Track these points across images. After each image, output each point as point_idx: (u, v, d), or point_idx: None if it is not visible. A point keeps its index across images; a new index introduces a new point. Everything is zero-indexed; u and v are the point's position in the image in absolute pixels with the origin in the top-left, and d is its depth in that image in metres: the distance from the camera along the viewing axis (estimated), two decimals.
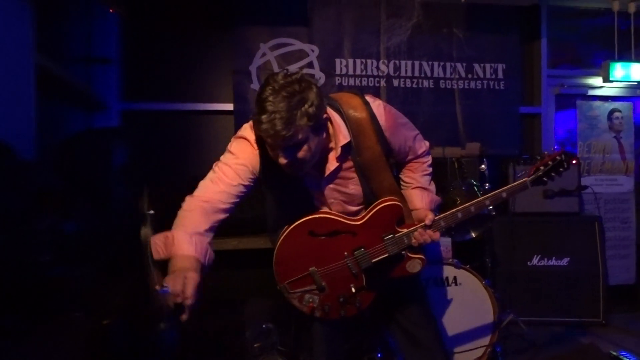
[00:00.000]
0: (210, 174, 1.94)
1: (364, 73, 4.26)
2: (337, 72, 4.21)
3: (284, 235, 1.98)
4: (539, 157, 2.19)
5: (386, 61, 4.29)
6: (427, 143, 2.21)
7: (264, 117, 1.62)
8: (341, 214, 2.02)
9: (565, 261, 4.05)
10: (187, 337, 1.62)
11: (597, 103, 4.76)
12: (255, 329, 1.65)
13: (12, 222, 1.59)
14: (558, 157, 2.15)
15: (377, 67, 4.28)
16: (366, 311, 2.08)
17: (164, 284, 1.37)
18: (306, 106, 1.66)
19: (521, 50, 4.59)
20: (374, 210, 1.99)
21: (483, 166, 3.53)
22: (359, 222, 2.00)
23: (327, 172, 1.93)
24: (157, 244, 1.73)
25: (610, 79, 4.47)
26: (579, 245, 4.07)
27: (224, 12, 4.07)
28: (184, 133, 4.12)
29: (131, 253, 1.77)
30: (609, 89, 4.83)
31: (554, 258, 4.07)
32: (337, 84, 4.20)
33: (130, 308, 1.81)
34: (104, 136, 2.90)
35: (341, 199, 2.03)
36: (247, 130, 1.94)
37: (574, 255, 4.06)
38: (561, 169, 2.16)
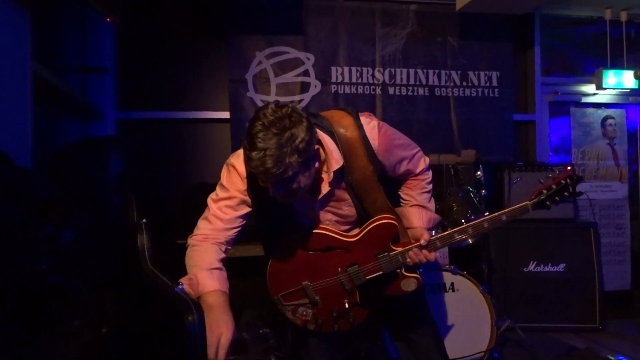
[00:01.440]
0: (207, 212, 1.94)
1: (359, 81, 4.28)
2: (333, 80, 4.23)
3: (278, 248, 1.97)
4: (541, 182, 2.11)
5: (381, 69, 4.32)
6: (427, 160, 2.16)
7: (254, 153, 1.61)
8: (336, 230, 2.00)
9: (561, 267, 4.07)
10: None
11: (591, 110, 4.81)
12: (253, 333, 1.64)
13: (10, 231, 1.59)
14: (563, 181, 2.05)
15: (373, 75, 4.30)
16: (361, 324, 2.05)
17: (180, 283, 1.37)
18: (296, 142, 1.63)
19: (515, 58, 4.63)
20: (369, 227, 1.97)
21: (479, 173, 3.55)
22: (353, 239, 1.98)
23: (320, 195, 1.90)
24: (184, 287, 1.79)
25: (603, 86, 4.51)
26: (574, 251, 4.09)
27: (219, 20, 4.09)
28: (181, 141, 4.12)
29: (128, 262, 1.77)
30: (602, 96, 4.88)
31: (550, 264, 4.09)
32: (332, 91, 4.22)
33: (128, 317, 1.80)
34: (100, 145, 2.90)
35: (335, 219, 2.01)
36: (237, 157, 1.92)
37: (569, 261, 4.08)
38: (566, 193, 2.05)
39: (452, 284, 3.15)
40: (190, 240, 1.91)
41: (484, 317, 3.11)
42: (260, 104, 4.07)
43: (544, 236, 4.10)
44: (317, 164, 1.79)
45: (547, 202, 2.04)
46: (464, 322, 3.10)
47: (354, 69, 4.27)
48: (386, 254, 1.96)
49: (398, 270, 1.99)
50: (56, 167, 2.60)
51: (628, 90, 4.72)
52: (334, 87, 4.23)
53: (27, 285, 1.56)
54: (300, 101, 4.15)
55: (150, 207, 3.54)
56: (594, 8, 4.70)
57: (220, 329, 1.62)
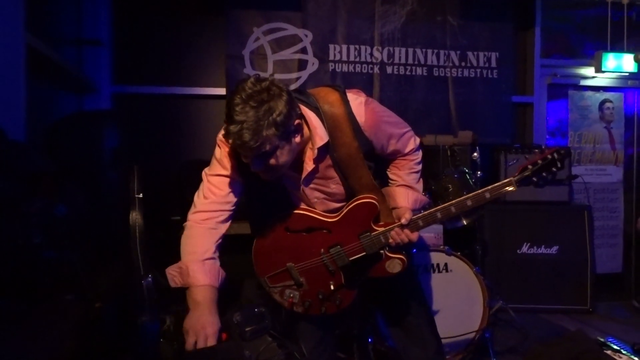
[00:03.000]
0: (201, 187, 1.93)
1: (357, 59, 4.24)
2: (331, 58, 4.18)
3: (261, 230, 1.97)
4: (527, 157, 2.00)
5: (380, 48, 4.27)
6: (418, 140, 2.11)
7: (232, 127, 1.60)
8: (317, 211, 1.98)
9: (554, 249, 4.10)
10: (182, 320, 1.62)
11: (589, 93, 4.79)
12: (247, 313, 1.64)
13: (3, 205, 1.58)
14: (549, 156, 1.96)
15: (371, 54, 4.26)
16: (349, 307, 2.04)
17: (149, 276, 1.37)
18: (274, 115, 1.62)
19: (515, 39, 4.59)
20: (349, 207, 1.95)
21: (475, 154, 3.54)
22: (334, 219, 1.96)
23: (305, 173, 1.88)
24: (173, 274, 1.78)
25: (603, 69, 4.48)
26: (568, 234, 4.11)
27: None
28: (176, 117, 4.09)
29: (121, 237, 1.76)
30: (601, 80, 4.85)
31: (543, 246, 4.11)
32: (330, 70, 4.17)
33: (120, 292, 1.81)
34: (94, 119, 2.88)
35: (323, 197, 1.99)
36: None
37: (563, 243, 4.10)
38: (554, 169, 1.96)
39: (445, 264, 3.16)
40: (188, 219, 1.90)
41: (476, 298, 3.13)
42: None
43: (538, 218, 4.12)
44: (297, 139, 1.77)
45: (534, 178, 1.95)
46: (457, 303, 3.13)
47: (352, 47, 4.22)
48: (368, 234, 1.94)
49: (382, 251, 1.97)
50: (50, 141, 2.58)
51: (627, 74, 4.69)
52: (332, 65, 4.19)
53: (20, 259, 1.56)
54: (297, 79, 4.11)
55: (145, 183, 3.54)
56: None
57: (205, 330, 1.61)
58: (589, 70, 4.74)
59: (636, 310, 4.32)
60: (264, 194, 1.95)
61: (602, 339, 2.82)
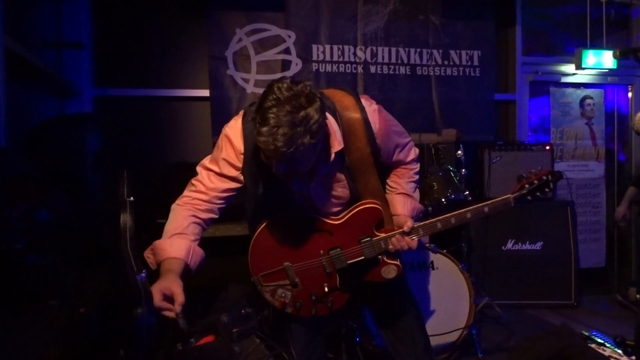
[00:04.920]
0: (198, 178, 1.91)
1: (340, 59, 4.24)
2: (314, 58, 4.18)
3: (261, 227, 1.96)
4: (524, 176, 2.21)
5: (363, 47, 4.28)
6: (417, 151, 2.17)
7: (264, 129, 1.55)
8: (320, 213, 1.99)
9: (538, 245, 4.14)
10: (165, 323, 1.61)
11: (570, 90, 4.85)
12: (234, 314, 1.63)
13: None
14: (544, 177, 2.16)
15: (354, 54, 4.27)
16: (340, 309, 2.06)
17: (143, 271, 1.36)
18: (310, 123, 1.58)
19: (496, 38, 4.63)
20: (354, 211, 1.97)
21: (459, 152, 3.56)
22: (337, 222, 1.98)
23: (317, 175, 1.89)
24: (148, 257, 1.79)
25: (583, 66, 4.54)
26: (551, 229, 4.16)
27: None
28: (160, 119, 4.06)
29: (107, 240, 1.75)
30: (582, 76, 4.92)
31: (527, 242, 4.16)
32: (314, 70, 4.17)
33: (107, 296, 1.79)
34: (76, 122, 2.85)
35: (327, 199, 1.99)
36: (233, 128, 1.89)
37: (547, 239, 4.15)
38: (546, 189, 2.16)
39: (431, 262, 3.18)
40: (173, 205, 1.90)
41: (462, 295, 3.16)
42: (240, 82, 4.02)
43: (523, 215, 4.16)
44: (322, 146, 1.77)
45: (528, 197, 2.16)
46: (443, 300, 3.15)
47: (335, 47, 4.23)
48: (369, 239, 1.97)
49: (380, 257, 2.01)
50: (31, 145, 2.55)
51: (607, 71, 4.76)
52: (315, 66, 4.19)
53: (3, 264, 1.54)
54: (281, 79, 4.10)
55: (133, 186, 3.51)
56: None
57: (172, 288, 1.57)
58: (569, 67, 4.80)
59: (619, 304, 4.38)
60: (269, 194, 1.93)
61: (586, 333, 2.85)
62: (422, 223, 2.04)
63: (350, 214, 1.98)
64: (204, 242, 1.92)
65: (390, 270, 2.03)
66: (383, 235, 1.99)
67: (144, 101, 4.01)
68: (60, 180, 2.31)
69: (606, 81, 5.01)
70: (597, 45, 4.77)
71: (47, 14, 3.42)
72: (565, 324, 3.26)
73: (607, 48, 4.67)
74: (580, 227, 4.58)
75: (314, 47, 4.19)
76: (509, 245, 4.16)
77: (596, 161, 4.85)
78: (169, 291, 1.56)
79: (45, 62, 3.11)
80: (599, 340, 2.79)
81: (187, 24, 4.06)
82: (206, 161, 1.94)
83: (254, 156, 1.80)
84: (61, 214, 1.87)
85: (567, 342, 2.48)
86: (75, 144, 2.57)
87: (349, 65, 4.26)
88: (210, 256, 3.96)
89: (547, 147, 4.31)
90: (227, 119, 4.13)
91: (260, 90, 4.33)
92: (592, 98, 4.83)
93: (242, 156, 1.86)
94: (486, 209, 2.09)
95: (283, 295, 1.99)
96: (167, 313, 1.54)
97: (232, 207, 3.86)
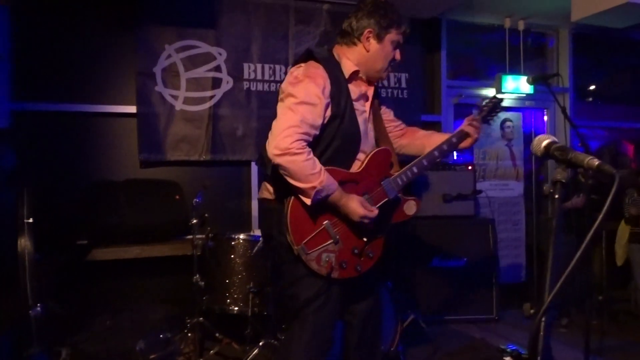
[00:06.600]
0: (291, 116, 1.96)
1: (272, 78, 4.27)
2: (246, 76, 4.18)
3: (293, 196, 2.01)
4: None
5: None
6: None
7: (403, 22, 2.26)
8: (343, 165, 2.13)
9: (462, 261, 4.29)
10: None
11: None
12: (152, 339, 1.59)
13: None
14: (490, 102, 2.52)
15: (286, 73, 4.28)
16: (380, 260, 2.19)
17: (38, 305, 1.30)
18: None
19: (423, 61, 4.80)
20: (369, 157, 2.15)
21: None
22: (359, 170, 2.12)
23: (367, 108, 2.22)
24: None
25: (502, 90, 4.79)
26: (474, 246, 4.33)
27: (128, 9, 3.89)
28: (83, 136, 3.90)
29: (14, 263, 1.66)
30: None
31: (452, 259, 4.30)
32: (245, 88, 4.17)
33: (13, 323, 1.69)
34: None
35: (368, 141, 2.21)
36: (315, 66, 2.08)
37: (470, 255, 4.31)
38: (497, 110, 2.55)
39: None
40: (294, 149, 1.91)
41: (388, 313, 3.21)
42: (169, 98, 3.95)
43: (447, 232, 4.31)
44: None
45: (488, 119, 2.55)
46: None
47: (267, 66, 4.25)
48: (388, 178, 2.16)
49: (399, 195, 2.20)
50: None
51: (525, 95, 5.04)
52: (247, 84, 4.19)
53: None
54: (211, 97, 4.07)
55: (48, 206, 3.34)
56: (495, 16, 4.97)
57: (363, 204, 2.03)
58: (490, 91, 5.03)
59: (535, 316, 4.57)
60: (342, 131, 2.09)
61: (503, 346, 2.98)
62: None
63: (367, 160, 2.14)
64: (125, 263, 1.86)
65: (410, 205, 2.23)
66: (397, 173, 2.19)
67: (67, 116, 3.85)
68: None
69: (524, 105, 5.30)
70: (515, 71, 5.06)
71: None
72: (484, 338, 3.40)
73: (525, 74, 4.95)
74: (501, 244, 4.79)
75: (245, 65, 4.19)
76: (435, 262, 4.28)
77: (516, 181, 5.11)
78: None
79: None
80: (514, 352, 2.92)
81: (114, 38, 3.95)
82: (294, 99, 1.99)
83: (338, 87, 2.07)
84: None
85: (484, 356, 2.58)
86: None
87: (280, 84, 4.27)
88: (135, 277, 3.86)
89: (470, 167, 4.50)
90: (155, 135, 4.04)
91: (190, 108, 4.27)
92: (511, 121, 5.10)
93: (329, 87, 2.05)
94: (454, 139, 2.33)
95: (327, 259, 2.04)
96: (370, 214, 2.01)
97: (157, 227, 3.77)
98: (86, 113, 3.88)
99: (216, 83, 4.10)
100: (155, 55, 3.94)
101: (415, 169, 2.23)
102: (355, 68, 2.20)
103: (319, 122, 2.01)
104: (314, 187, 1.92)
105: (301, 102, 1.97)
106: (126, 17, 3.91)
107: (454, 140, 2.33)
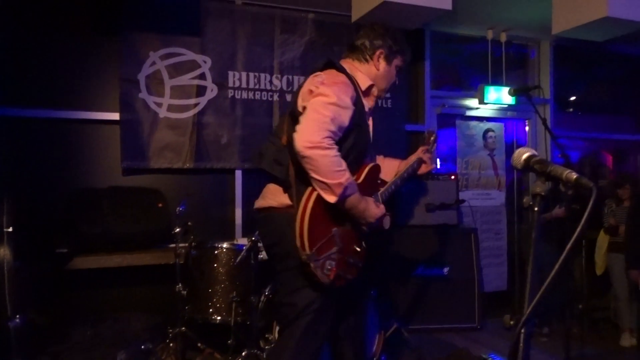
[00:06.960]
0: (322, 116, 1.98)
1: (257, 87, 4.27)
2: (230, 84, 4.18)
3: (310, 201, 2.01)
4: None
5: (279, 76, 4.34)
6: None
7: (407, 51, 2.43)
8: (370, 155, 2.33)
9: (445, 270, 4.32)
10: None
11: (474, 123, 5.15)
12: (132, 350, 1.57)
13: None
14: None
15: (271, 82, 4.31)
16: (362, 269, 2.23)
17: (17, 317, 1.28)
18: None
19: (407, 71, 4.84)
20: (367, 170, 2.22)
21: None
22: (359, 181, 2.16)
23: (371, 122, 2.36)
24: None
25: (485, 101, 4.86)
26: (457, 255, 4.36)
27: (112, 15, 3.87)
28: (65, 143, 3.85)
29: None
30: (485, 110, 5.24)
31: (435, 268, 4.32)
32: (229, 96, 4.17)
33: None
34: None
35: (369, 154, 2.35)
36: (338, 76, 2.17)
37: (453, 264, 4.34)
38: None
39: None
40: (320, 141, 1.94)
41: (372, 322, 3.21)
42: (153, 105, 3.93)
43: (430, 241, 4.34)
44: None
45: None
46: None
47: (251, 74, 4.25)
48: (376, 193, 2.27)
49: None
50: None
51: (506, 106, 5.11)
52: (232, 92, 4.18)
53: None
54: (196, 104, 4.06)
55: (29, 214, 3.29)
56: (477, 28, 5.04)
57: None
58: (473, 102, 5.11)
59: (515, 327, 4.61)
60: (360, 133, 2.19)
61: (484, 356, 3.00)
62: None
63: (365, 172, 2.21)
64: (106, 272, 1.84)
65: (387, 220, 2.25)
66: (382, 189, 2.32)
67: (49, 123, 3.80)
68: None
69: (506, 115, 5.36)
70: (498, 82, 5.12)
71: None
72: (468, 347, 3.42)
73: (507, 85, 5.03)
74: (483, 253, 4.83)
75: (230, 73, 4.19)
76: (419, 270, 4.31)
77: (498, 190, 5.16)
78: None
79: None
80: None
81: (98, 44, 3.92)
82: (326, 99, 2.02)
83: (358, 98, 2.18)
84: None
85: None
86: None
87: (265, 92, 4.30)
88: (116, 286, 3.81)
89: (452, 177, 4.54)
90: (138, 143, 4.00)
91: (175, 115, 4.22)
92: (493, 131, 5.16)
93: (355, 95, 2.14)
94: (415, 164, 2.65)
95: (330, 266, 2.04)
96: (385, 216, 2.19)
97: (138, 235, 3.72)
98: (68, 119, 3.84)
99: (201, 91, 4.09)
100: (140, 62, 3.93)
101: (393, 187, 2.42)
102: (371, 82, 2.32)
103: (346, 125, 2.07)
104: (341, 184, 1.95)
105: (333, 102, 2.02)
106: (110, 23, 3.89)
107: (415, 165, 2.66)
